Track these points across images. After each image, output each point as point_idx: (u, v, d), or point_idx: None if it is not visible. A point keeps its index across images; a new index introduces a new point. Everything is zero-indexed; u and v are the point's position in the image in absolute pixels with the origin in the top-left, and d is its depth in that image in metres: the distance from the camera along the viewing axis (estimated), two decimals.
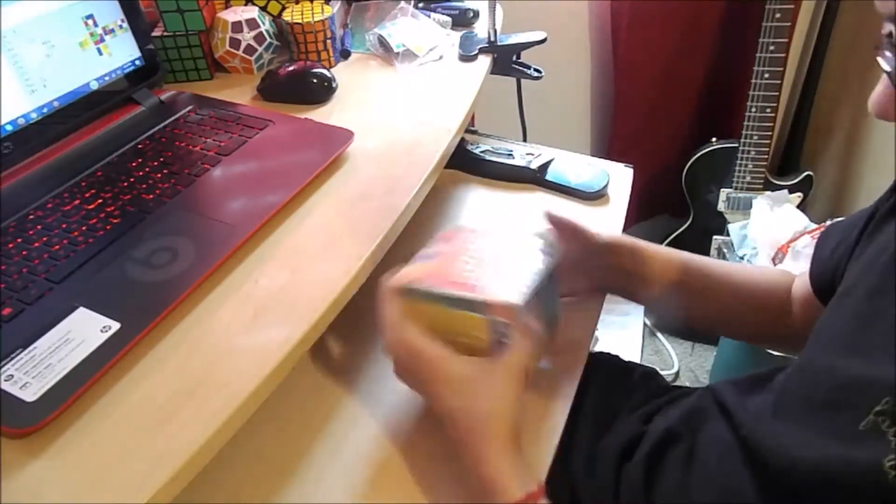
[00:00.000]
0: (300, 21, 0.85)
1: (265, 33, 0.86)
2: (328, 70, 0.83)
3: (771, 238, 1.33)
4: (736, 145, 1.47)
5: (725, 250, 1.54)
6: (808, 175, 1.50)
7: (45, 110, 0.67)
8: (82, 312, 0.50)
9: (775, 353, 1.26)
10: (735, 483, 0.51)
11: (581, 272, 0.66)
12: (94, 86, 0.72)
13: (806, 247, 1.26)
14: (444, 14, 0.98)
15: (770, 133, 1.42)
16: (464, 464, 0.50)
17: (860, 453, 0.40)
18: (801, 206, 1.47)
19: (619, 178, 0.89)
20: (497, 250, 0.58)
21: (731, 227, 1.46)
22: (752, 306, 0.66)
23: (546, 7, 1.41)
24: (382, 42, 0.91)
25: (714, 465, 0.54)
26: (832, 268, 0.56)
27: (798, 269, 1.26)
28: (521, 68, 0.94)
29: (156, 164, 0.67)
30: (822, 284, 0.58)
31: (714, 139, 1.53)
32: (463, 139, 0.93)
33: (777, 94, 1.38)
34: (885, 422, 0.40)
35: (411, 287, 0.54)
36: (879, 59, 0.43)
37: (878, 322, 0.44)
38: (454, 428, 0.50)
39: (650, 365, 0.76)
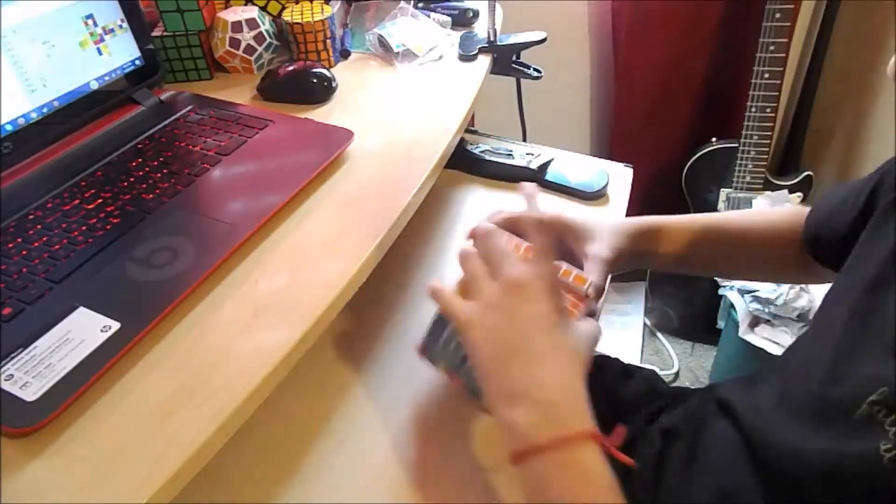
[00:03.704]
0: (300, 21, 0.85)
1: (265, 33, 0.86)
2: (328, 70, 0.83)
3: None
4: (736, 145, 1.47)
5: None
6: (808, 175, 1.50)
7: (45, 110, 0.67)
8: (82, 312, 0.50)
9: (775, 353, 1.26)
10: (737, 480, 0.51)
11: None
12: (94, 86, 0.72)
13: None
14: (443, 14, 0.98)
15: (770, 133, 1.42)
16: (542, 383, 0.44)
17: (854, 442, 0.41)
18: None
19: (619, 178, 0.89)
20: None
21: None
22: (766, 250, 0.67)
23: (546, 7, 1.41)
24: (382, 42, 0.91)
25: (716, 464, 0.54)
26: (829, 230, 0.58)
27: None
28: (520, 68, 0.94)
29: (156, 163, 0.67)
30: (817, 245, 0.61)
31: (714, 139, 1.52)
32: (463, 139, 0.93)
33: (777, 94, 1.38)
34: (880, 412, 0.40)
35: None
36: None
37: (873, 318, 0.44)
38: (547, 343, 0.45)
39: (650, 366, 0.76)
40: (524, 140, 1.03)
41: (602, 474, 0.41)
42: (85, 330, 0.49)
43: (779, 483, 0.47)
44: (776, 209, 0.73)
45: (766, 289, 1.30)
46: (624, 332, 1.68)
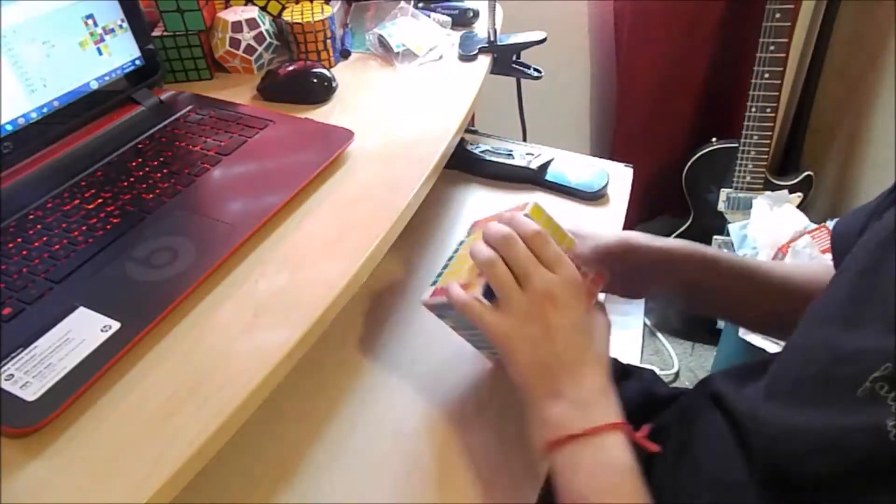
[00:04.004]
0: (300, 21, 0.85)
1: (265, 33, 0.86)
2: (328, 70, 0.83)
3: (771, 238, 1.34)
4: (736, 145, 1.47)
5: (725, 250, 1.54)
6: (808, 175, 1.50)
7: (45, 110, 0.67)
8: (82, 312, 0.50)
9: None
10: (729, 474, 0.50)
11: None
12: (94, 86, 0.72)
13: (806, 247, 1.26)
14: (444, 14, 0.98)
15: (770, 133, 1.43)
16: (570, 376, 0.50)
17: (860, 417, 0.40)
18: (801, 206, 1.47)
19: (619, 178, 0.89)
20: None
21: (731, 227, 1.46)
22: (795, 304, 0.63)
23: (546, 7, 1.41)
24: (382, 42, 0.91)
25: (707, 458, 0.54)
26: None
27: None
28: (520, 68, 0.94)
29: (156, 163, 0.67)
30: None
31: (714, 139, 1.53)
32: (463, 139, 0.93)
33: (777, 94, 1.38)
34: (883, 387, 0.40)
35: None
36: None
37: (872, 296, 0.44)
38: (574, 341, 0.51)
39: (650, 366, 0.76)
40: (524, 140, 1.03)
41: (624, 460, 0.47)
42: (85, 330, 0.49)
43: (772, 468, 0.47)
44: (805, 265, 0.70)
45: None
46: (624, 332, 1.68)
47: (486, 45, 0.91)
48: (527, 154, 0.91)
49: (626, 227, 0.84)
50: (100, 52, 0.72)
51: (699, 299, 0.68)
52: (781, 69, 1.35)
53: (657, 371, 0.78)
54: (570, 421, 0.48)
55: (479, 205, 0.88)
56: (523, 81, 1.00)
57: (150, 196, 0.63)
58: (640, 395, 0.71)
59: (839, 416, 0.42)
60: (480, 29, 0.98)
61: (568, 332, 0.51)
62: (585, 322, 0.52)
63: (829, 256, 0.61)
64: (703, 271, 0.63)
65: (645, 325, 1.72)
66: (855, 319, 0.44)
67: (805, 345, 0.49)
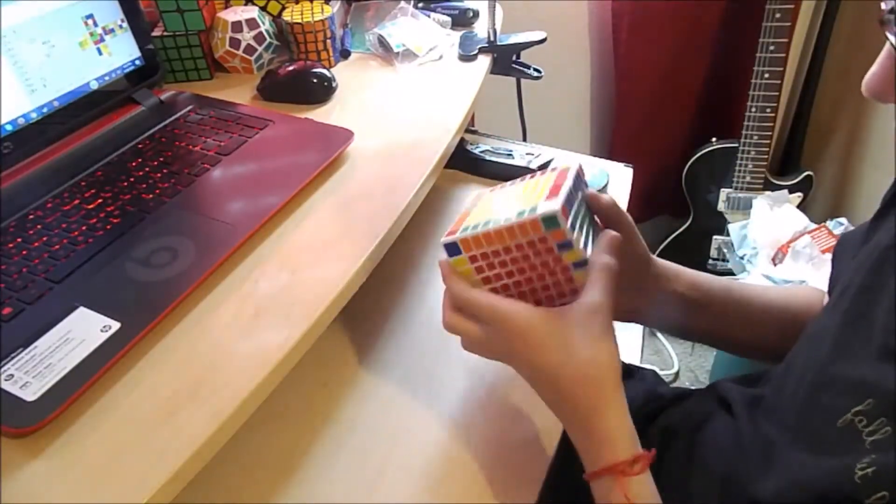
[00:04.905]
0: (300, 21, 0.85)
1: (265, 33, 0.86)
2: (328, 70, 0.83)
3: (771, 238, 1.34)
4: (736, 145, 1.47)
5: (725, 250, 1.54)
6: (808, 175, 1.50)
7: (45, 110, 0.67)
8: (82, 312, 0.50)
9: None
10: (738, 470, 0.51)
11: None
12: (94, 86, 0.72)
13: (806, 247, 1.26)
14: (443, 14, 0.98)
15: (770, 133, 1.43)
16: (571, 420, 0.48)
17: (832, 460, 0.41)
18: (801, 206, 1.47)
19: (619, 178, 0.89)
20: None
21: (731, 227, 1.46)
22: (784, 326, 0.62)
23: (546, 7, 1.41)
24: (382, 42, 0.91)
25: (715, 458, 0.54)
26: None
27: (798, 269, 1.26)
28: (520, 68, 0.94)
29: (156, 163, 0.67)
30: None
31: (714, 139, 1.53)
32: (463, 139, 0.93)
33: (777, 94, 1.38)
34: (861, 421, 0.40)
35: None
36: (889, 35, 0.41)
37: (864, 321, 0.44)
38: (556, 386, 0.47)
39: (650, 366, 0.76)
40: (524, 140, 1.03)
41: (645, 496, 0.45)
42: (85, 330, 0.49)
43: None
44: (795, 287, 0.68)
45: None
46: (624, 332, 1.68)
47: (486, 45, 0.91)
48: (527, 154, 0.91)
49: None
50: (100, 52, 0.72)
51: (693, 325, 0.65)
52: (781, 69, 1.35)
53: (657, 371, 0.78)
54: (588, 460, 0.47)
55: None
56: (523, 81, 1.00)
57: (150, 196, 0.63)
58: (643, 395, 0.71)
59: (816, 455, 0.42)
60: (480, 29, 0.98)
61: (558, 375, 0.46)
62: (568, 351, 0.46)
63: (828, 257, 0.61)
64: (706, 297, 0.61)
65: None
66: (846, 345, 0.45)
67: (800, 363, 0.49)
